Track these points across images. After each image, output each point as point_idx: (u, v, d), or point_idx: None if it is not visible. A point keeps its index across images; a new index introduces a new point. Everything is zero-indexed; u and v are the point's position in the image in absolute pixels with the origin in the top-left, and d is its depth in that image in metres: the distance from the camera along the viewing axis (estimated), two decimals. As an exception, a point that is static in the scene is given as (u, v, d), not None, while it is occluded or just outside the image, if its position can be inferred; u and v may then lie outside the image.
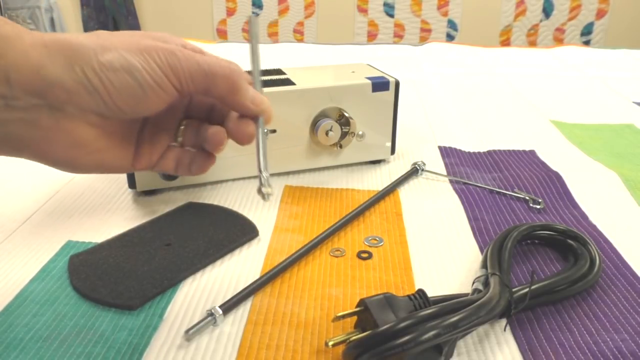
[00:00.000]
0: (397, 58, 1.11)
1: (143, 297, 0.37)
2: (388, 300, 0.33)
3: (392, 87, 0.56)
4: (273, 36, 2.84)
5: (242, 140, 0.37)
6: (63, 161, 0.34)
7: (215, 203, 0.51)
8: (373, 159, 0.60)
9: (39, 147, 0.32)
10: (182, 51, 0.34)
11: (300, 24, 2.80)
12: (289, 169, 0.57)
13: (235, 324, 0.36)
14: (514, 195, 0.53)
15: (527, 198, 0.52)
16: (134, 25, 2.79)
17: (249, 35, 0.39)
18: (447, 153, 0.64)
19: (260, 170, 0.35)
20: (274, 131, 0.53)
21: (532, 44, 2.73)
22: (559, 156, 0.63)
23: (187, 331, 0.34)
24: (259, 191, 0.35)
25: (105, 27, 2.77)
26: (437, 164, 0.60)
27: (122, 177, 0.55)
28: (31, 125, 0.31)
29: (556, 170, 0.58)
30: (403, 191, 0.54)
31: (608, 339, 0.34)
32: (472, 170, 0.59)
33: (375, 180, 0.56)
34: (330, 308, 0.37)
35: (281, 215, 0.49)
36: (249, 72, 0.38)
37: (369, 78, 0.56)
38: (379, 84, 0.55)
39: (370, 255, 0.43)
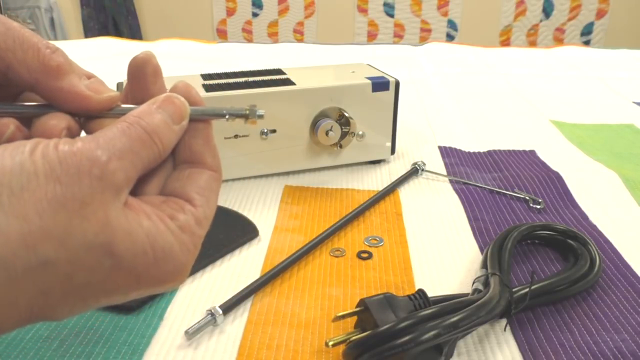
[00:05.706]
0: (397, 58, 1.11)
1: (142, 299, 0.37)
2: (388, 300, 0.33)
3: (392, 87, 0.56)
4: (273, 36, 2.84)
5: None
6: None
7: (215, 203, 0.50)
8: (373, 159, 0.60)
9: None
10: None
11: (300, 24, 2.80)
12: (289, 169, 0.57)
13: (235, 324, 0.36)
14: (514, 195, 0.53)
15: (527, 198, 0.52)
16: (134, 25, 2.79)
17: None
18: (447, 153, 0.63)
19: (227, 114, 0.26)
20: (274, 131, 0.53)
21: (532, 44, 2.73)
22: (559, 156, 0.63)
23: (187, 331, 0.34)
24: (251, 115, 0.26)
25: (105, 27, 2.77)
26: (437, 164, 0.60)
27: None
28: None
29: (556, 170, 0.58)
30: (403, 191, 0.54)
31: (608, 339, 0.34)
32: (472, 170, 0.59)
33: (375, 180, 0.56)
34: (330, 308, 0.37)
35: (281, 215, 0.49)
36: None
37: (369, 78, 0.56)
38: (379, 84, 0.55)
39: (370, 255, 0.43)
